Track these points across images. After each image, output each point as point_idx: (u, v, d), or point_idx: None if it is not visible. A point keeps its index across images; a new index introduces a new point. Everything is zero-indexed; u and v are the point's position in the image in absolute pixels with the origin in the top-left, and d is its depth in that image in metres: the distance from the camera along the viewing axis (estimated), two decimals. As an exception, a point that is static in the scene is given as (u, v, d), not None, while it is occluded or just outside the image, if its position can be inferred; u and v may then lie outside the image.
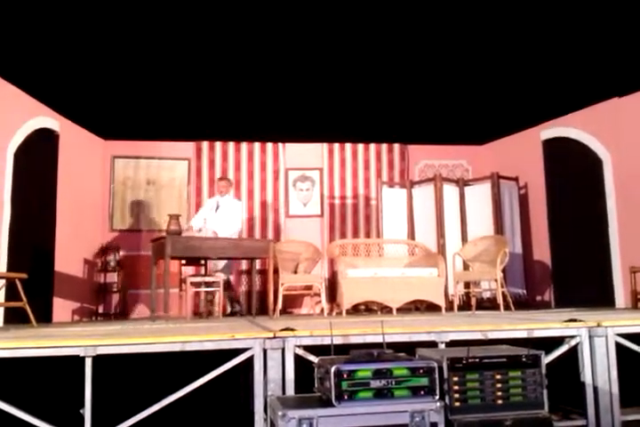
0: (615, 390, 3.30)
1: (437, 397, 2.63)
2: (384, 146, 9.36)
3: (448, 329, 3.32)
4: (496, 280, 6.65)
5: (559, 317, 4.07)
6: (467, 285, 7.52)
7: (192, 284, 6.89)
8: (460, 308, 7.04)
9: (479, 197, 8.20)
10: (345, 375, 2.56)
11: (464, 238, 8.03)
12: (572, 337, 3.39)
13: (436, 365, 2.67)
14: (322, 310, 7.21)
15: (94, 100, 7.19)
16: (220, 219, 7.16)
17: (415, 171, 9.46)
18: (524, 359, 2.83)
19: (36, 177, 6.98)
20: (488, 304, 7.64)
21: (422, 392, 2.62)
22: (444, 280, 6.83)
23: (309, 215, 9.15)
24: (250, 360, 3.10)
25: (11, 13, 5.02)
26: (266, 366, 3.06)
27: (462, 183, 8.36)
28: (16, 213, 6.38)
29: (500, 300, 6.56)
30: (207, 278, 6.87)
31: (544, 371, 2.83)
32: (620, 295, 7.10)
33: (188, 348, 3.03)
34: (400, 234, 8.22)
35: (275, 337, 3.10)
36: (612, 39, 5.72)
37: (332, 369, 2.55)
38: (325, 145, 9.27)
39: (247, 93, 7.12)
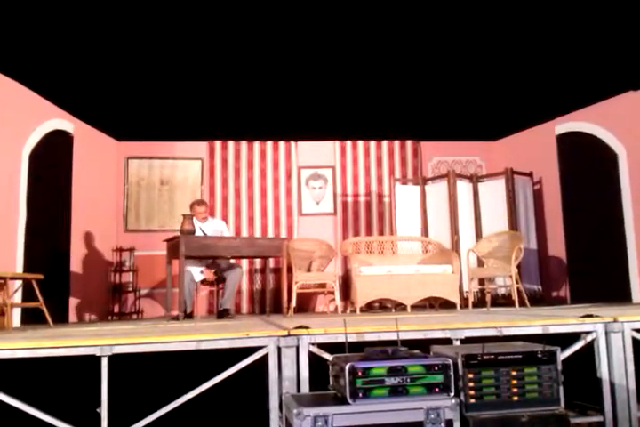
0: (632, 385, 3.26)
1: (452, 394, 2.62)
2: (396, 143, 9.34)
3: (463, 326, 3.31)
4: (511, 276, 6.61)
5: (575, 312, 4.04)
6: (481, 281, 7.49)
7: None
8: (475, 305, 7.01)
9: (493, 193, 8.13)
10: (360, 373, 2.56)
11: (478, 235, 7.98)
12: (588, 333, 3.36)
13: (450, 362, 2.66)
14: (336, 308, 7.22)
15: (107, 101, 7.24)
16: None
17: (428, 167, 9.44)
18: (539, 356, 2.81)
19: (50, 178, 7.04)
20: (503, 301, 7.60)
21: (437, 389, 2.61)
22: (459, 277, 6.81)
23: (322, 213, 9.15)
24: (264, 358, 3.11)
25: (25, 17, 5.07)
26: (280, 364, 3.06)
27: (476, 179, 8.30)
28: (32, 214, 6.45)
29: (515, 296, 6.53)
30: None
31: (560, 367, 2.81)
32: (637, 290, 7.03)
33: (203, 346, 3.05)
34: (413, 231, 8.19)
35: (289, 335, 3.11)
36: (627, 32, 5.66)
37: (347, 367, 2.55)
38: (337, 143, 9.27)
39: (259, 92, 7.13)
